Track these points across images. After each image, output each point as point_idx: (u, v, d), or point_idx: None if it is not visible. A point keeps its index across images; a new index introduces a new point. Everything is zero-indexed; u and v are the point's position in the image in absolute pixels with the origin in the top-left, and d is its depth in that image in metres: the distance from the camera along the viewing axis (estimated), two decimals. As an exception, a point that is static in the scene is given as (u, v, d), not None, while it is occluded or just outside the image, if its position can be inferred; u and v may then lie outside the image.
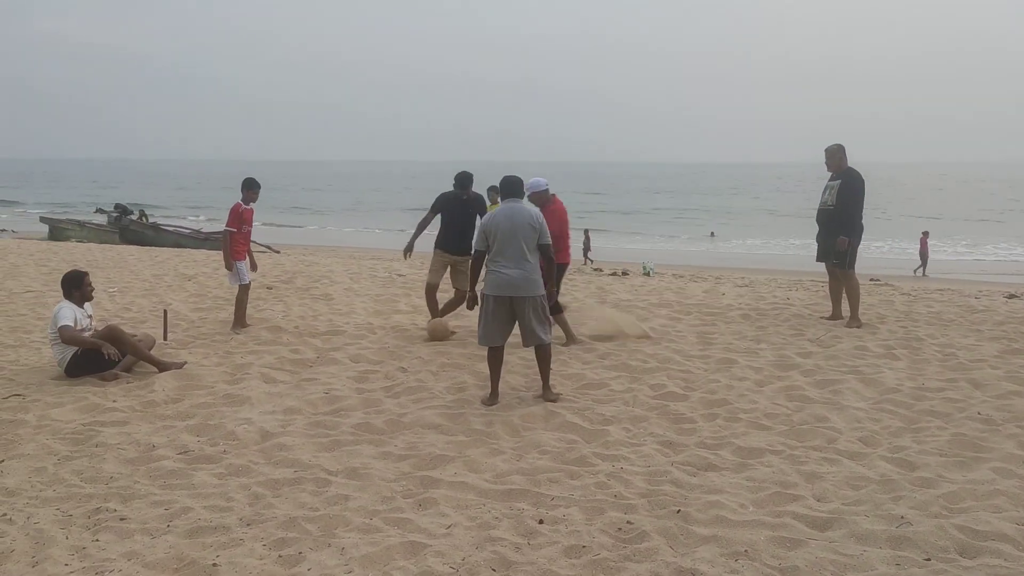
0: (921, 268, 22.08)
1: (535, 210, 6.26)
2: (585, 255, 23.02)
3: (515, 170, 7.30)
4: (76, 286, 7.07)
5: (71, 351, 6.79)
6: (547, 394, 6.23)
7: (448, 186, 8.93)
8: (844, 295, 9.36)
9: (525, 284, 6.06)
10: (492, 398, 6.16)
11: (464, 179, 8.65)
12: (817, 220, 9.35)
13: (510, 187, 6.27)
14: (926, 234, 23.12)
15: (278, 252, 20.99)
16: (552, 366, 7.19)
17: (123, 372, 6.89)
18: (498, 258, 6.08)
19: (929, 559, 3.66)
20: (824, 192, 9.21)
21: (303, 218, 46.75)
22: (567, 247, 8.11)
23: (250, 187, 8.76)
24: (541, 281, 6.16)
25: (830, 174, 9.19)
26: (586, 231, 24.48)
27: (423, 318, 9.48)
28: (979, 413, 5.76)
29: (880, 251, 27.30)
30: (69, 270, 7.38)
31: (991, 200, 60.93)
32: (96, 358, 6.79)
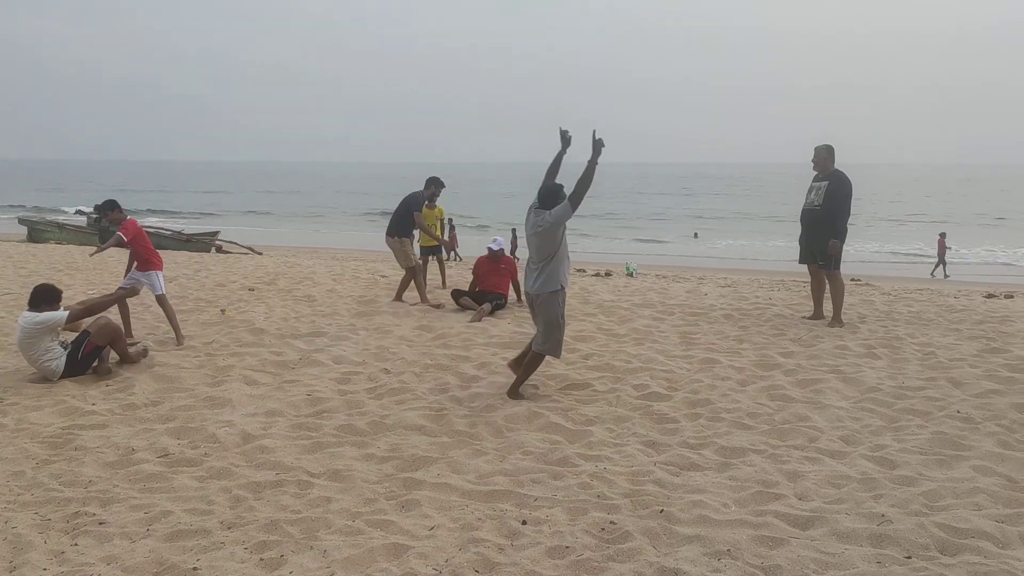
0: (941, 269, 22.01)
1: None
2: (513, 255, 23.57)
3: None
4: (49, 301, 6.75)
5: (64, 357, 6.73)
6: (515, 392, 6.31)
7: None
8: (825, 295, 9.41)
9: None
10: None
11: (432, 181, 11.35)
12: (801, 220, 9.34)
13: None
14: (943, 235, 22.89)
15: (260, 254, 20.90)
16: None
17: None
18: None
19: (910, 557, 3.68)
20: (809, 192, 9.21)
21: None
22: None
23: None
24: None
25: (814, 174, 9.22)
26: (513, 230, 25.14)
27: (408, 320, 9.48)
28: (959, 411, 5.80)
29: (861, 252, 27.53)
30: (47, 284, 7.00)
31: (960, 201, 61.82)
32: (90, 352, 6.81)
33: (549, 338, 6.22)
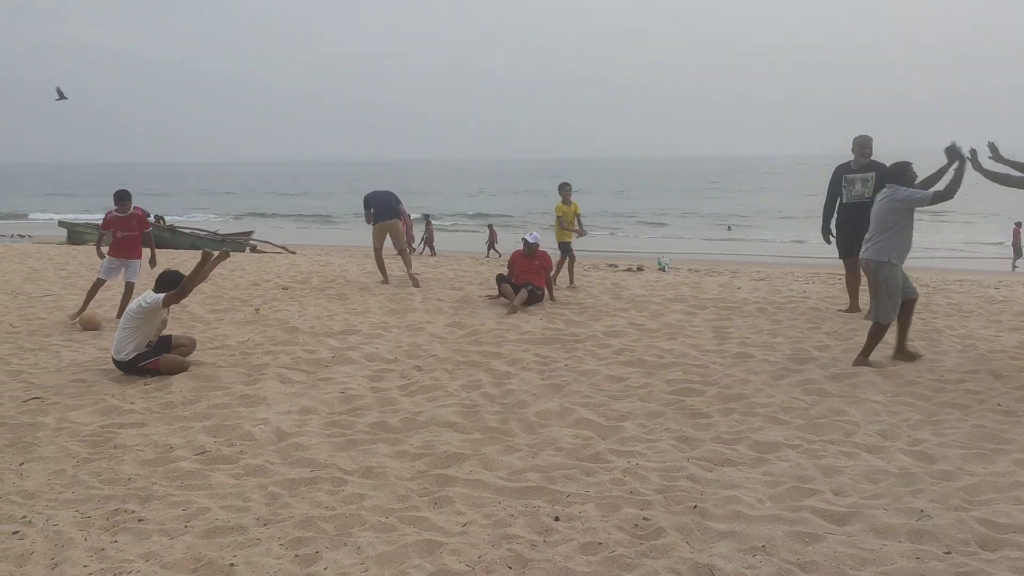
0: (1018, 260, 21.78)
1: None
2: (424, 244, 25.43)
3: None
4: (167, 284, 7.16)
5: (136, 354, 6.93)
6: (863, 361, 6.88)
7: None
8: (862, 287, 9.27)
9: None
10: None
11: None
12: (846, 213, 9.16)
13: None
14: (1019, 225, 22.48)
15: (294, 253, 21.09)
16: (567, 362, 7.21)
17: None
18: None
19: (949, 552, 3.62)
20: (854, 185, 9.01)
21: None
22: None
23: (116, 199, 9.76)
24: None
25: (848, 165, 9.09)
26: (426, 216, 27.23)
27: (440, 317, 9.52)
28: (999, 404, 5.70)
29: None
30: (170, 269, 7.52)
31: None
32: (149, 368, 7.00)
33: (879, 306, 6.80)
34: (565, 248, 12.14)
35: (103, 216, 10.19)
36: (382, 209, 12.55)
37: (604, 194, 67.66)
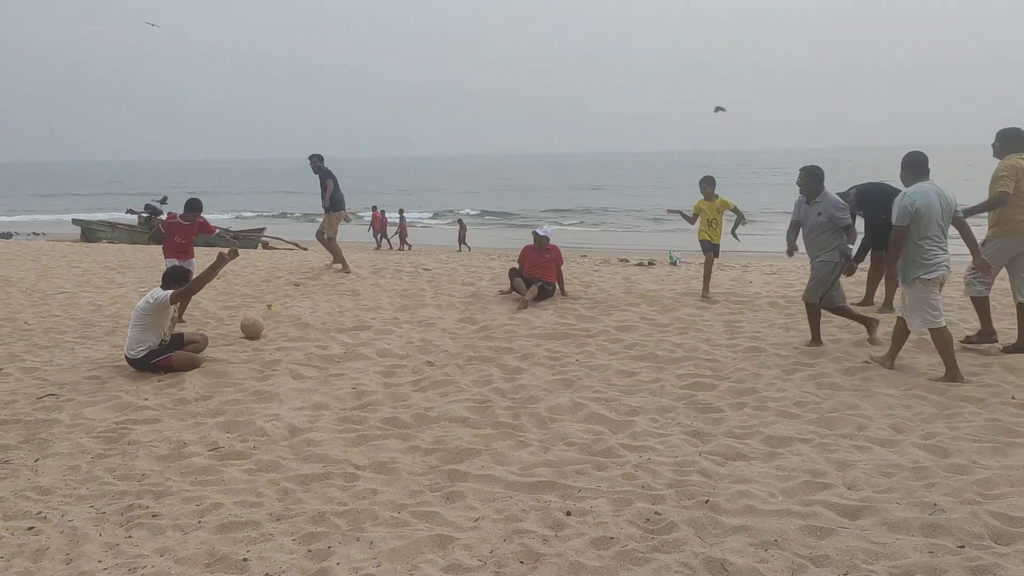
0: None
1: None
2: (400, 239, 26.72)
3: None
4: (174, 281, 7.20)
5: (148, 352, 6.97)
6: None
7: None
8: (875, 282, 9.24)
9: None
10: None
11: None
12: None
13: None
14: None
15: (305, 249, 21.16)
16: (579, 357, 7.21)
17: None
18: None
19: (963, 546, 3.60)
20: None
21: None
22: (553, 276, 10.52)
23: (187, 207, 9.73)
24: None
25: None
26: (400, 210, 28.22)
27: (451, 312, 9.53)
28: (1013, 398, 5.66)
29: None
30: (178, 266, 7.68)
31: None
32: (162, 365, 7.04)
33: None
34: (708, 246, 10.56)
35: (165, 218, 10.25)
36: (343, 198, 13.57)
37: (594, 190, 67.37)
